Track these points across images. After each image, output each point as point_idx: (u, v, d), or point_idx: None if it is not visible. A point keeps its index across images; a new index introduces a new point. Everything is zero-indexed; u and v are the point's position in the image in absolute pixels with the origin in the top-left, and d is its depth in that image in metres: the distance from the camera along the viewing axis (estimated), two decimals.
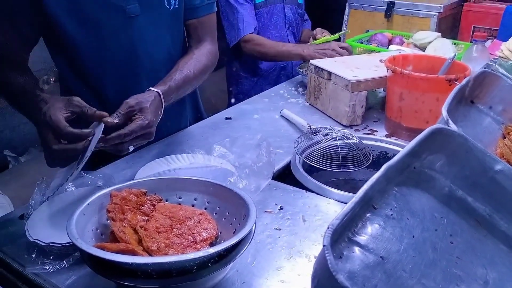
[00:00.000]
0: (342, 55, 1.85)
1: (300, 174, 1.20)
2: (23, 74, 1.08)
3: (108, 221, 0.78)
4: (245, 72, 2.23)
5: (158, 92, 1.05)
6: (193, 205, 0.87)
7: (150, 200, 0.81)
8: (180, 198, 0.87)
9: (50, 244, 0.83)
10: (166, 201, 0.85)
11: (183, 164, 1.17)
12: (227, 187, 0.86)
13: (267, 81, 2.22)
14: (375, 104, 1.68)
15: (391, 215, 0.67)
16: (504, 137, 1.02)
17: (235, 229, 0.80)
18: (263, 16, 2.13)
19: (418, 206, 0.71)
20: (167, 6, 1.18)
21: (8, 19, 1.05)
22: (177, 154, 1.23)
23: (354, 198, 0.58)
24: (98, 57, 1.15)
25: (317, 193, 1.12)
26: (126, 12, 1.12)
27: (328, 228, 0.51)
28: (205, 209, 0.86)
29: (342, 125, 1.54)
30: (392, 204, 0.69)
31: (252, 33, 2.05)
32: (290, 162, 1.29)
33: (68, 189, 1.02)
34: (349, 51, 1.91)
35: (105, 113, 0.92)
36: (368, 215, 0.66)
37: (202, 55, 1.28)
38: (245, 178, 1.10)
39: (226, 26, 2.09)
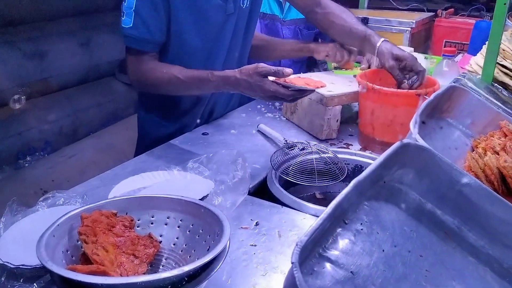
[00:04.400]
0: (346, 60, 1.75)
1: (276, 189, 1.21)
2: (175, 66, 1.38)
3: (79, 243, 0.77)
4: None
5: None
6: (166, 224, 0.86)
7: (122, 221, 0.81)
8: (152, 217, 0.86)
9: (20, 266, 0.81)
10: (138, 220, 0.85)
11: (159, 180, 1.17)
12: (201, 204, 0.86)
13: None
14: (350, 118, 1.71)
15: (362, 229, 0.67)
16: (473, 150, 1.05)
17: (209, 247, 0.80)
18: (259, 28, 2.07)
19: (388, 220, 0.72)
20: (241, 5, 1.47)
21: (156, 19, 1.33)
22: (152, 171, 1.22)
23: (323, 213, 0.58)
24: (202, 46, 1.44)
25: (293, 208, 1.13)
26: (226, 10, 1.41)
27: (296, 245, 0.52)
28: (178, 227, 0.85)
29: (318, 139, 1.55)
30: (363, 218, 0.69)
31: None
32: (266, 177, 1.30)
33: (39, 209, 1.00)
34: None
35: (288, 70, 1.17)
36: (338, 230, 0.66)
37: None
38: (221, 195, 1.10)
39: None
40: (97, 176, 1.24)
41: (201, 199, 1.05)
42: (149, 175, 1.19)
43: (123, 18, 1.32)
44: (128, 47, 1.37)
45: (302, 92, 1.21)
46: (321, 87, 1.30)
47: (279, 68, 1.19)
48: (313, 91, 1.25)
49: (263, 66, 1.20)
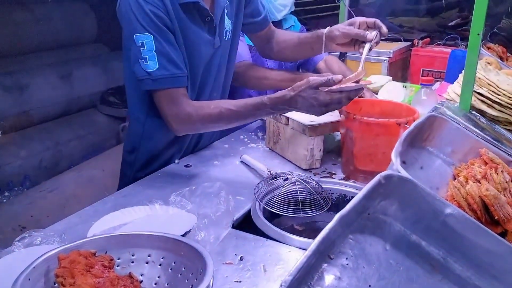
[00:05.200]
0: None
1: (261, 221, 1.19)
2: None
3: (56, 285, 0.74)
4: None
5: None
6: (147, 262, 0.83)
7: (101, 261, 0.78)
8: (133, 256, 0.84)
9: None
10: (118, 259, 0.82)
11: (140, 216, 1.14)
12: (183, 241, 0.84)
13: None
14: (333, 147, 1.71)
15: (347, 264, 0.66)
16: (455, 178, 1.05)
17: (192, 286, 0.77)
18: (254, 58, 2.10)
19: (374, 253, 0.71)
20: (224, 38, 1.54)
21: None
22: (133, 206, 1.19)
23: (308, 251, 0.57)
24: (193, 78, 1.48)
25: (278, 241, 1.11)
26: (214, 44, 1.49)
27: (281, 285, 0.50)
28: (160, 265, 0.83)
29: (302, 169, 1.55)
30: (348, 253, 0.68)
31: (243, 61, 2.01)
32: (250, 208, 1.28)
33: (15, 250, 0.96)
34: None
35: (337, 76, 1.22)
36: (324, 266, 0.65)
37: None
38: (204, 229, 1.08)
39: None
40: (77, 213, 1.21)
41: (184, 235, 1.03)
42: (129, 210, 1.16)
43: (147, 64, 1.32)
44: (159, 90, 1.36)
45: (356, 91, 1.25)
46: (369, 84, 1.34)
47: (329, 77, 1.22)
48: (362, 89, 1.29)
49: (314, 79, 1.24)
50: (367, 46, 1.42)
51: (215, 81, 1.60)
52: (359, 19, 1.49)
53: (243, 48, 2.02)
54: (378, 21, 1.47)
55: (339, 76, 1.22)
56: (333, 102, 1.23)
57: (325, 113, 1.28)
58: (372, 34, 1.43)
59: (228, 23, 1.55)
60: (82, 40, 3.96)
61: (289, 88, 1.29)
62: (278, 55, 1.84)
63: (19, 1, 3.26)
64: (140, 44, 1.30)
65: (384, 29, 1.46)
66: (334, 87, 1.22)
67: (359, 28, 1.47)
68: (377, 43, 1.46)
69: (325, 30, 1.55)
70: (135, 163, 1.61)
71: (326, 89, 1.22)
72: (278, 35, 1.79)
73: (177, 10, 1.36)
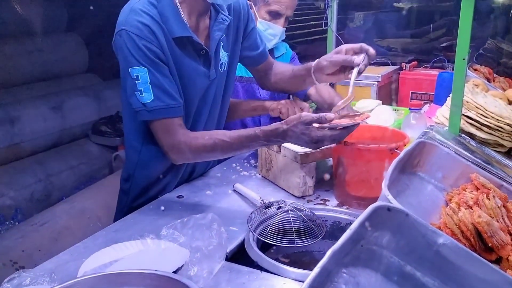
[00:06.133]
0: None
1: (255, 253, 1.17)
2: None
3: None
4: None
5: None
6: None
7: None
8: None
9: None
10: None
11: (131, 252, 1.12)
12: (175, 278, 0.83)
13: None
14: (326, 174, 1.71)
15: None
16: (447, 204, 1.05)
17: None
18: (236, 90, 2.14)
19: (368, 287, 0.70)
20: (220, 70, 1.57)
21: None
22: (124, 241, 1.18)
23: None
24: (188, 109, 1.50)
25: (272, 273, 1.09)
26: (209, 77, 1.51)
27: None
28: None
29: (295, 196, 1.54)
30: (342, 287, 0.67)
31: None
32: (244, 239, 1.27)
33: None
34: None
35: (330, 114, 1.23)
36: None
37: None
38: (196, 264, 1.06)
39: None
40: (67, 250, 1.19)
41: (176, 271, 1.02)
42: (121, 246, 1.14)
43: (142, 96, 1.35)
44: (155, 121, 1.39)
45: (349, 129, 1.25)
46: (366, 118, 1.31)
47: (321, 114, 1.24)
48: (358, 124, 1.27)
49: (306, 115, 1.26)
50: (355, 70, 1.44)
51: (210, 112, 1.61)
52: (345, 46, 1.51)
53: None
54: (364, 45, 1.49)
55: (331, 115, 1.22)
56: (326, 139, 1.23)
57: (320, 147, 1.29)
58: (359, 58, 1.44)
59: (224, 55, 1.58)
60: (73, 70, 3.98)
61: (282, 122, 1.31)
62: (274, 86, 1.86)
63: (10, 33, 3.28)
64: (135, 77, 1.34)
65: (371, 51, 1.48)
66: (326, 124, 1.22)
67: (346, 55, 1.49)
68: (366, 65, 1.48)
69: (313, 63, 1.57)
70: (131, 191, 1.61)
71: (317, 126, 1.23)
72: (275, 67, 1.82)
73: (171, 44, 1.39)
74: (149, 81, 1.34)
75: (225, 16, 1.53)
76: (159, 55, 1.36)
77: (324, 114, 1.22)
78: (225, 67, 1.61)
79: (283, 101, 1.88)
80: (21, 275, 0.99)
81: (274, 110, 1.86)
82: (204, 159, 1.54)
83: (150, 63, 1.34)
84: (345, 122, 1.23)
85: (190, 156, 1.47)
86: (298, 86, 1.83)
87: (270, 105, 1.88)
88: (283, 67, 1.82)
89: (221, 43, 1.55)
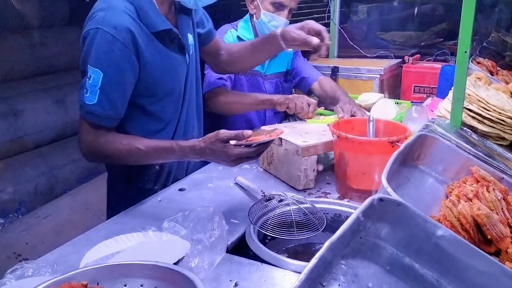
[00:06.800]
0: (306, 111, 1.83)
1: (255, 245, 1.18)
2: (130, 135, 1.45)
3: None
4: None
5: None
6: None
7: None
8: (125, 286, 0.83)
9: None
10: None
11: (133, 244, 1.13)
12: (176, 269, 0.83)
13: None
14: (328, 167, 1.71)
15: None
16: (447, 197, 1.05)
17: None
18: (241, 83, 2.16)
19: (367, 278, 0.71)
20: (190, 53, 1.60)
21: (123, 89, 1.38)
22: (126, 233, 1.18)
23: (298, 280, 0.57)
24: (172, 97, 1.54)
25: (273, 265, 1.10)
26: (186, 62, 1.56)
27: None
28: None
29: (296, 189, 1.55)
30: (340, 279, 0.68)
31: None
32: (245, 232, 1.27)
33: (6, 283, 0.95)
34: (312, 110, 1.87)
35: (247, 131, 1.25)
36: None
37: None
38: (197, 255, 1.07)
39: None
40: (69, 242, 1.20)
41: (177, 262, 1.02)
42: (123, 238, 1.15)
43: (86, 95, 1.33)
44: (87, 120, 1.37)
45: (265, 144, 1.28)
46: (281, 133, 1.36)
47: (239, 131, 1.25)
48: (273, 140, 1.31)
49: (223, 132, 1.27)
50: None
51: (190, 97, 1.64)
52: (309, 25, 1.56)
53: (214, 75, 2.05)
54: (325, 32, 1.53)
55: (249, 132, 1.24)
56: (243, 156, 1.26)
57: (238, 164, 1.30)
58: (316, 41, 1.50)
59: (190, 38, 1.61)
60: (76, 64, 3.97)
61: (200, 139, 1.32)
62: (234, 67, 1.88)
63: (12, 27, 3.29)
64: (89, 76, 1.32)
65: (326, 41, 1.52)
66: (243, 141, 1.24)
67: (309, 33, 1.54)
68: (320, 56, 1.55)
69: (278, 31, 1.61)
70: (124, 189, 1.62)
71: (234, 143, 1.25)
72: (229, 47, 1.85)
73: (150, 38, 1.40)
74: (99, 86, 1.32)
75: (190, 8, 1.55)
76: (131, 60, 1.35)
77: (242, 131, 1.24)
78: (193, 48, 1.63)
79: (291, 96, 1.88)
80: (23, 266, 1.00)
81: (282, 105, 1.86)
82: (118, 162, 1.50)
83: (110, 68, 1.32)
84: (261, 138, 1.26)
85: (103, 159, 1.50)
86: (260, 58, 1.85)
87: (278, 100, 1.88)
88: (240, 45, 1.85)
89: (188, 28, 1.59)
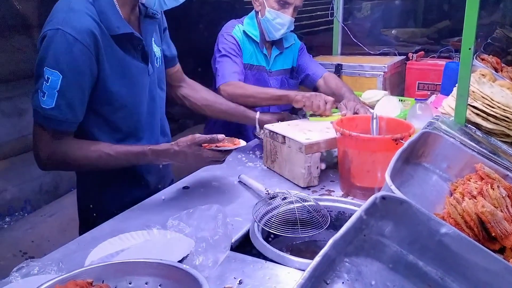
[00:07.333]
0: (323, 110, 1.83)
1: (259, 243, 1.18)
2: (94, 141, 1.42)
3: None
4: None
5: None
6: None
7: None
8: (130, 284, 0.83)
9: None
10: None
11: (138, 242, 1.14)
12: (180, 267, 0.84)
13: None
14: (332, 164, 1.71)
15: None
16: (451, 195, 1.05)
17: None
18: (247, 78, 2.16)
19: (370, 276, 0.71)
20: (156, 64, 1.58)
21: (80, 96, 1.33)
22: (131, 232, 1.19)
23: (301, 278, 0.57)
24: (132, 103, 1.48)
25: (277, 262, 1.10)
26: (148, 72, 1.51)
27: None
28: None
29: (300, 187, 1.55)
30: (344, 277, 0.68)
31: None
32: (249, 230, 1.28)
33: (12, 281, 0.96)
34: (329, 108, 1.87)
35: (221, 136, 1.39)
36: None
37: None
38: (202, 253, 1.08)
39: (214, 71, 2.12)
40: (74, 240, 1.21)
41: (181, 260, 1.03)
42: (127, 236, 1.16)
43: (43, 99, 1.27)
44: (45, 127, 1.32)
45: (228, 152, 1.44)
46: (241, 145, 1.47)
47: (213, 135, 1.38)
48: (232, 150, 1.45)
49: (199, 136, 1.38)
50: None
51: (153, 111, 1.58)
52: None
53: (229, 69, 2.05)
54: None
55: (222, 136, 1.39)
56: (214, 159, 1.40)
57: (207, 165, 1.49)
58: None
59: (158, 50, 1.59)
60: None
61: (173, 143, 1.39)
62: (191, 104, 1.88)
63: (18, 27, 3.30)
64: (46, 78, 1.26)
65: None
66: (213, 145, 1.40)
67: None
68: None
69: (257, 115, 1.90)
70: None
71: (207, 146, 1.39)
72: (195, 86, 1.88)
73: (110, 42, 1.35)
74: (58, 88, 1.27)
75: (155, 11, 1.51)
76: (90, 63, 1.31)
77: (216, 135, 1.38)
78: (160, 62, 1.61)
79: (308, 94, 1.87)
80: (29, 264, 1.00)
81: (299, 102, 1.86)
82: (84, 169, 1.48)
83: (71, 71, 1.27)
84: (227, 145, 1.43)
85: (67, 167, 1.45)
86: (226, 118, 1.99)
87: (295, 97, 1.87)
88: (207, 93, 1.90)
89: (153, 39, 1.54)
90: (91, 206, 1.54)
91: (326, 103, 1.82)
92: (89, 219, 1.50)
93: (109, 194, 1.54)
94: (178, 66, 1.81)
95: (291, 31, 2.21)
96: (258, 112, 1.95)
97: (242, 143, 1.50)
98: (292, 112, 2.12)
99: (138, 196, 1.51)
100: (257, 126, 1.92)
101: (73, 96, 1.31)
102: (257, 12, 2.18)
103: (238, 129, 2.17)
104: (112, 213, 1.40)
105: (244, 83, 2.06)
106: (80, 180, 1.60)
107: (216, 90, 2.15)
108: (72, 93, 1.30)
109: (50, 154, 1.34)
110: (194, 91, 1.87)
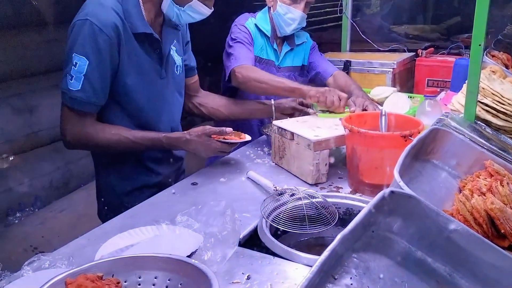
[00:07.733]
0: (337, 106, 1.82)
1: (267, 238, 1.19)
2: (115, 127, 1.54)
3: None
4: None
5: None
6: (153, 284, 0.84)
7: (108, 284, 0.79)
8: (139, 278, 0.84)
9: None
10: (125, 282, 0.83)
11: (147, 237, 1.15)
12: (189, 262, 0.85)
13: None
14: (340, 161, 1.71)
15: (351, 284, 0.66)
16: (460, 191, 1.05)
17: None
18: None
19: (378, 272, 0.71)
20: (176, 72, 1.70)
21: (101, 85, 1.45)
22: (140, 227, 1.20)
23: (310, 272, 0.57)
24: (145, 101, 1.58)
25: (285, 258, 1.11)
26: (160, 75, 1.61)
27: None
28: (166, 287, 0.83)
29: (308, 183, 1.55)
30: (352, 272, 0.68)
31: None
32: (257, 226, 1.28)
33: (24, 274, 0.97)
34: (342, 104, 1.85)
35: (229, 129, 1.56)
36: (328, 286, 0.65)
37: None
38: (210, 249, 1.08)
39: (225, 61, 2.10)
40: (85, 235, 1.22)
41: (190, 255, 1.04)
42: (137, 231, 1.17)
43: (70, 81, 1.41)
44: (71, 108, 1.44)
45: (234, 144, 1.57)
46: (246, 139, 1.61)
47: (222, 128, 1.53)
48: (238, 143, 1.59)
49: (210, 128, 1.53)
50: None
51: (166, 111, 1.67)
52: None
53: (244, 53, 2.05)
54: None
55: (229, 129, 1.54)
56: (221, 149, 1.54)
57: (214, 155, 1.60)
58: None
59: (178, 59, 1.71)
60: None
61: (185, 132, 1.54)
62: (206, 110, 1.96)
63: (28, 24, 3.33)
64: (74, 63, 1.40)
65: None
66: (221, 137, 1.53)
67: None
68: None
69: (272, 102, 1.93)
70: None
71: (215, 138, 1.52)
72: (209, 96, 1.98)
73: (131, 38, 1.48)
74: (84, 73, 1.40)
75: (177, 24, 1.65)
76: (112, 53, 1.43)
77: (224, 128, 1.54)
78: (181, 70, 1.74)
79: (322, 89, 1.86)
80: (40, 258, 1.02)
81: (313, 98, 1.85)
82: (104, 150, 1.59)
83: (96, 58, 1.40)
84: (234, 139, 1.56)
85: (89, 148, 1.58)
86: (246, 116, 2.08)
87: (309, 91, 1.86)
88: (221, 99, 2.00)
89: (174, 48, 1.67)
90: (109, 192, 1.67)
91: (340, 99, 1.82)
92: (109, 205, 1.65)
93: (125, 182, 1.64)
94: (196, 77, 1.92)
95: (303, 29, 2.21)
96: (272, 100, 1.97)
97: (247, 137, 1.60)
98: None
99: (153, 183, 1.66)
100: (273, 113, 1.94)
101: (96, 81, 1.43)
102: (269, 8, 2.19)
103: (243, 125, 2.17)
104: (127, 195, 1.60)
105: (259, 68, 2.05)
106: (99, 171, 1.71)
107: (224, 88, 2.15)
108: (95, 78, 1.42)
109: (75, 134, 1.47)
110: (209, 99, 1.97)
